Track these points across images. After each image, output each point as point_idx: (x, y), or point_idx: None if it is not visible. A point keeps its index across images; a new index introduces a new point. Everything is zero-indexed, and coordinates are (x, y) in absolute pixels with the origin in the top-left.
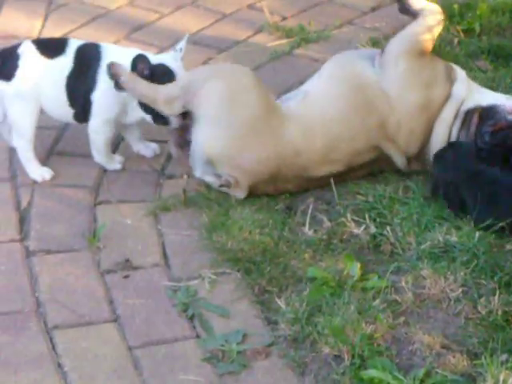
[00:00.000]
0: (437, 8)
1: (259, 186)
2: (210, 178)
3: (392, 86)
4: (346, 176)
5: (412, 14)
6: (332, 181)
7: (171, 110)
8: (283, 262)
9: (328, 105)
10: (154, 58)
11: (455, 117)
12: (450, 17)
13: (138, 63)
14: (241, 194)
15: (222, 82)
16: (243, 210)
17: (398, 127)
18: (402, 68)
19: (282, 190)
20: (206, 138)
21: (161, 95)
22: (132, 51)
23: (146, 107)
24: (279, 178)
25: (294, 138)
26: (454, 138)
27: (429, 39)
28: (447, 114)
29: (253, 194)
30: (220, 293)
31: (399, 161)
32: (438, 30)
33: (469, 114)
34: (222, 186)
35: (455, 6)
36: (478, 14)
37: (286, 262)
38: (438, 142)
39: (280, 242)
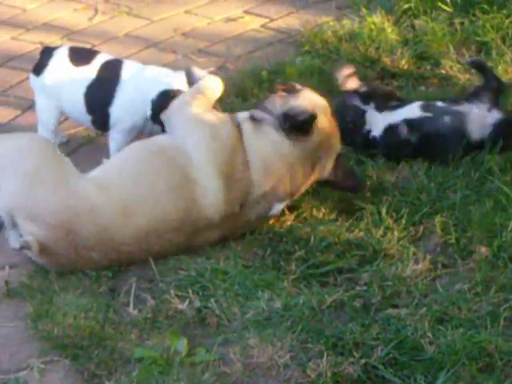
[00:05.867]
0: (217, 79)
1: (60, 250)
2: (15, 243)
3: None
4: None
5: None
6: (151, 260)
7: None
8: (110, 345)
9: (126, 166)
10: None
11: None
12: (259, 83)
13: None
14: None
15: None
16: (66, 296)
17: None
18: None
19: (88, 260)
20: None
21: None
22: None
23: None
24: (80, 242)
25: (89, 194)
26: None
27: (206, 98)
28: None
29: (58, 264)
30: (50, 381)
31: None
32: (214, 93)
33: None
34: (22, 247)
35: (263, 73)
36: (287, 77)
37: (113, 345)
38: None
39: (105, 325)
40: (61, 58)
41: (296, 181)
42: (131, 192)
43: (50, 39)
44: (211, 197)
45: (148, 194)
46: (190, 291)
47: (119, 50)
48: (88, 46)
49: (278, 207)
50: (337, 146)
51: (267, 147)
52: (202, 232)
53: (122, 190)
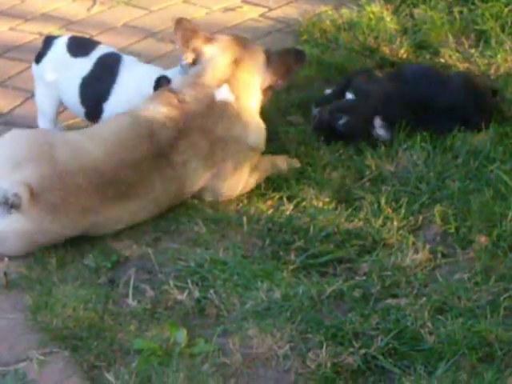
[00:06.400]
0: None
1: (47, 187)
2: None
3: None
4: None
5: None
6: (150, 251)
7: None
8: (109, 336)
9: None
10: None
11: None
12: None
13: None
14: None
15: None
16: (65, 287)
17: None
18: None
19: (76, 193)
20: None
21: None
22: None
23: None
24: (63, 169)
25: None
26: None
27: None
28: None
29: (49, 210)
30: (49, 373)
31: None
32: None
33: None
34: (11, 206)
35: None
36: None
37: (113, 336)
38: None
39: (105, 316)
40: (59, 48)
41: (222, 74)
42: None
43: (49, 29)
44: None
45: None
46: (189, 282)
47: (117, 40)
48: (86, 37)
49: (223, 91)
50: (256, 51)
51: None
52: (159, 133)
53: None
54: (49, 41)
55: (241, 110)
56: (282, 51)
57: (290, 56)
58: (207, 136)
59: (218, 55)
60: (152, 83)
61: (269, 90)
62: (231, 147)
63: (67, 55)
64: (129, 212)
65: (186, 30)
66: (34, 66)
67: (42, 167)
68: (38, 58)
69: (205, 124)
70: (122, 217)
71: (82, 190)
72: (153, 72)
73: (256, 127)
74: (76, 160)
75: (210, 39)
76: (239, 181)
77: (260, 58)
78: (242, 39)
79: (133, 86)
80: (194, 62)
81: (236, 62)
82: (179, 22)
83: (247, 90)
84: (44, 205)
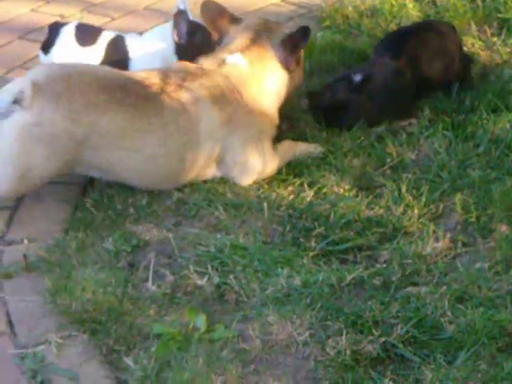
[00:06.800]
0: None
1: (52, 78)
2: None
3: None
4: None
5: None
6: (170, 236)
7: None
8: (129, 320)
9: None
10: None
11: None
12: None
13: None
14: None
15: None
16: (85, 271)
17: None
18: None
19: (82, 86)
20: None
21: None
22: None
23: None
24: (70, 65)
25: None
26: None
27: None
28: None
29: (50, 101)
30: (68, 356)
31: None
32: None
33: None
34: (15, 102)
35: None
36: (307, 54)
37: (132, 320)
38: None
39: (124, 300)
40: (67, 37)
41: (237, 47)
42: None
43: (70, 11)
44: None
45: None
46: (209, 267)
47: (139, 22)
48: (107, 19)
49: (234, 56)
50: (276, 31)
51: None
52: (170, 75)
53: None
54: (56, 29)
55: (254, 74)
56: (292, 34)
57: (296, 33)
58: (219, 83)
59: (239, 33)
60: (159, 43)
61: (295, 76)
62: (245, 101)
63: (76, 45)
64: (135, 129)
65: (212, 11)
66: (41, 55)
67: (51, 66)
68: (46, 48)
69: (215, 75)
70: (127, 131)
71: (88, 85)
72: (155, 34)
73: (271, 94)
74: (86, 66)
75: (236, 20)
76: (258, 150)
77: (277, 37)
78: (267, 21)
79: (142, 60)
80: (219, 42)
81: (253, 39)
82: (206, 4)
83: (261, 60)
84: (48, 93)
